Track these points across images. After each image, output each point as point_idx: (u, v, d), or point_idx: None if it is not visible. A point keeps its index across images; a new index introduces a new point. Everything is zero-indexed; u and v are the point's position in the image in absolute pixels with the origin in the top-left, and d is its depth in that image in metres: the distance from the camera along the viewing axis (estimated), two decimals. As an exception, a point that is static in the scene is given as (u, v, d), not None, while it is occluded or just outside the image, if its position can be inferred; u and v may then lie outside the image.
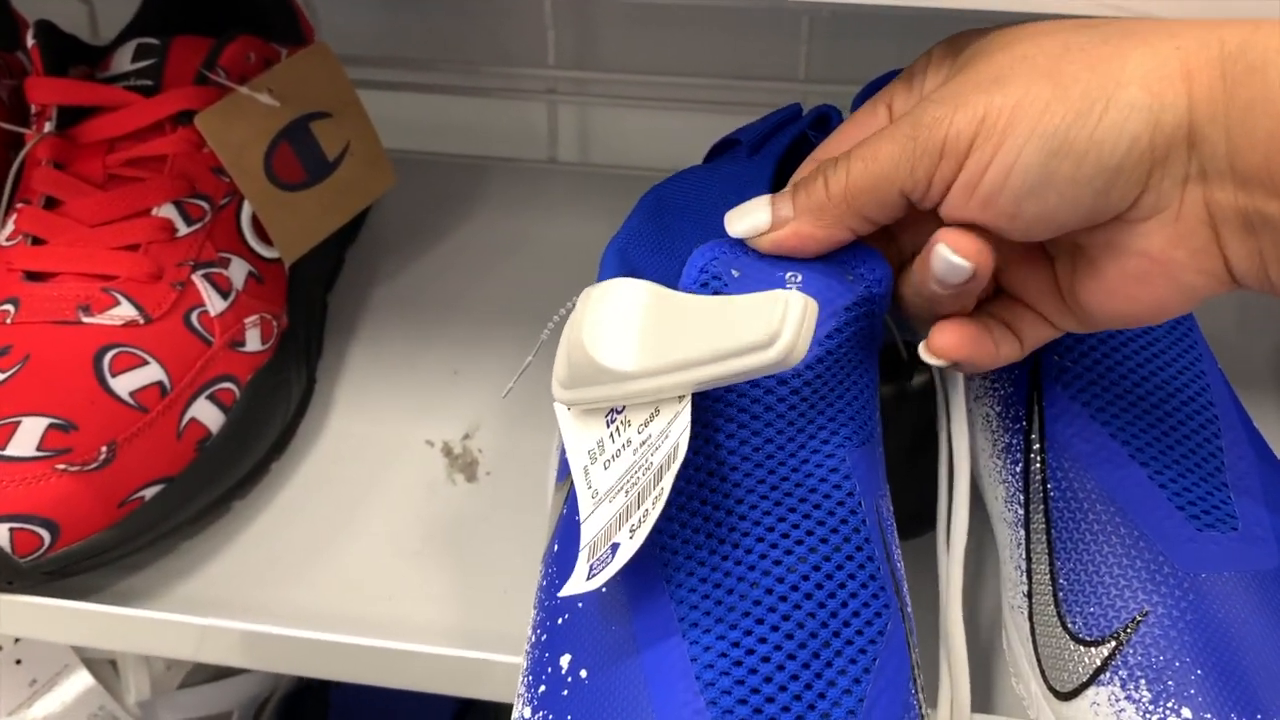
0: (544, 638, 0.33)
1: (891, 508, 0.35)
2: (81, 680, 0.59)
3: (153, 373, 0.45)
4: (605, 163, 0.69)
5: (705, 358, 0.29)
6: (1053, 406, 0.38)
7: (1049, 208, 0.29)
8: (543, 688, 0.31)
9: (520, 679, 0.33)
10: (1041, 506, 0.37)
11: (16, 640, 0.58)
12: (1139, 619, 0.34)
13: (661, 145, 0.68)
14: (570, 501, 0.34)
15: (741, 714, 0.29)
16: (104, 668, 0.60)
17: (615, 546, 0.31)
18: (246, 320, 0.48)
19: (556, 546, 0.35)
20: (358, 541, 0.47)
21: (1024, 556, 0.37)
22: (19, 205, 0.48)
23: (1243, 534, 0.34)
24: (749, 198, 0.35)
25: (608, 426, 0.32)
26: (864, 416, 0.34)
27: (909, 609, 0.34)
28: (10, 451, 0.41)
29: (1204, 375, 0.38)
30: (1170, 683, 0.32)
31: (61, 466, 0.41)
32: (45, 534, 0.41)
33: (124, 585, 0.45)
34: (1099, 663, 0.34)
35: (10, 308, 0.45)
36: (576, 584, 0.31)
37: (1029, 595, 0.37)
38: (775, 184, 0.40)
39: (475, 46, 0.68)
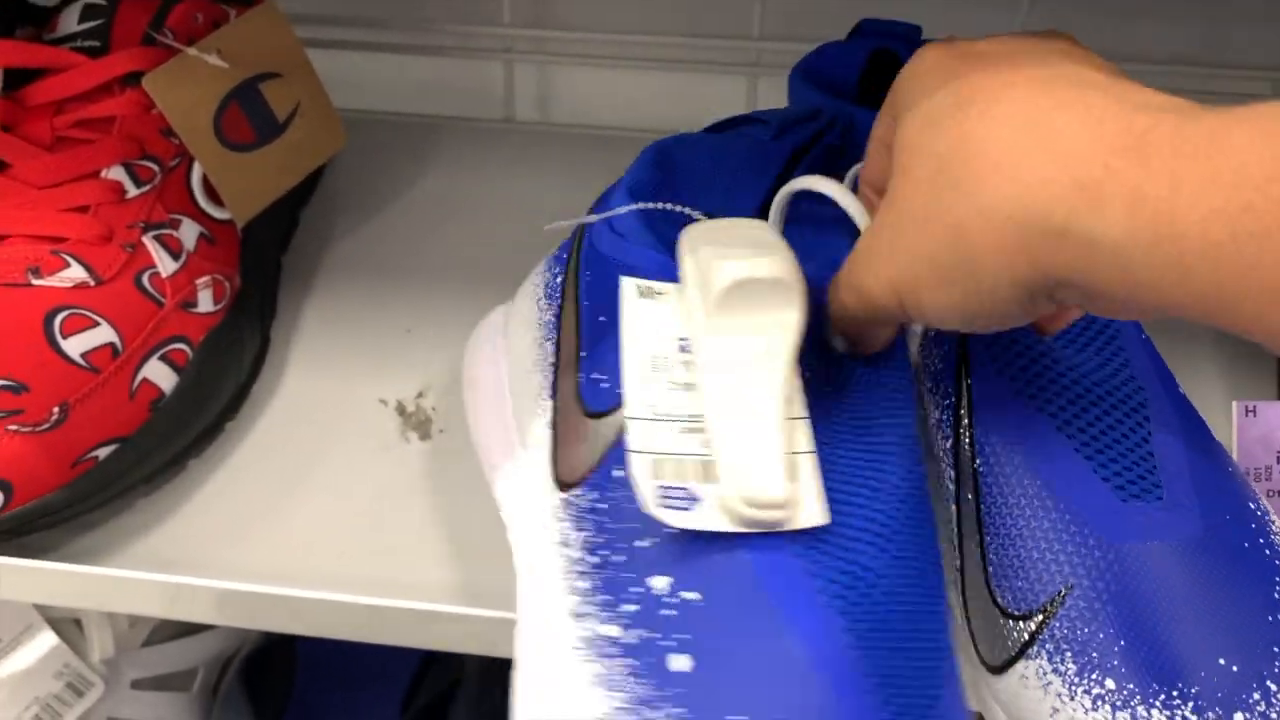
0: (617, 558, 0.33)
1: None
2: (46, 640, 0.59)
3: (104, 334, 0.45)
4: (562, 122, 0.69)
5: None
6: (980, 383, 0.38)
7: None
8: (632, 606, 0.32)
9: (565, 595, 0.33)
10: (971, 482, 0.38)
11: (-21, 601, 0.59)
12: (1064, 593, 0.34)
13: (617, 104, 0.68)
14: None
15: (868, 623, 0.31)
16: (68, 627, 0.60)
17: (693, 499, 0.32)
18: (198, 281, 0.49)
19: (615, 471, 0.35)
20: (313, 499, 0.48)
21: (955, 532, 0.38)
22: (-33, 168, 0.48)
23: (1167, 503, 0.35)
24: (764, 173, 0.39)
25: (680, 351, 0.34)
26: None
27: None
28: (-39, 413, 0.41)
29: (1128, 347, 0.38)
30: (1094, 654, 0.33)
31: (13, 427, 0.42)
32: (-2, 494, 0.41)
33: (81, 544, 0.46)
34: (1027, 636, 0.35)
35: (-40, 271, 0.46)
36: (651, 504, 0.32)
37: (961, 570, 0.38)
38: (788, 168, 0.42)
39: (430, 4, 0.67)
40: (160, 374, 0.46)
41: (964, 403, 0.39)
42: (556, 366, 0.39)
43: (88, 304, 0.45)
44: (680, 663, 0.30)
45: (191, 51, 0.49)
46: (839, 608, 0.31)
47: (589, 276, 0.39)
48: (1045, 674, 0.34)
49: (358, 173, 0.63)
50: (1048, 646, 0.34)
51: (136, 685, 0.62)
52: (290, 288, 0.56)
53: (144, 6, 0.49)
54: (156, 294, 0.47)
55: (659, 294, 0.36)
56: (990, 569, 0.36)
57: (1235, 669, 0.32)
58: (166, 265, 0.48)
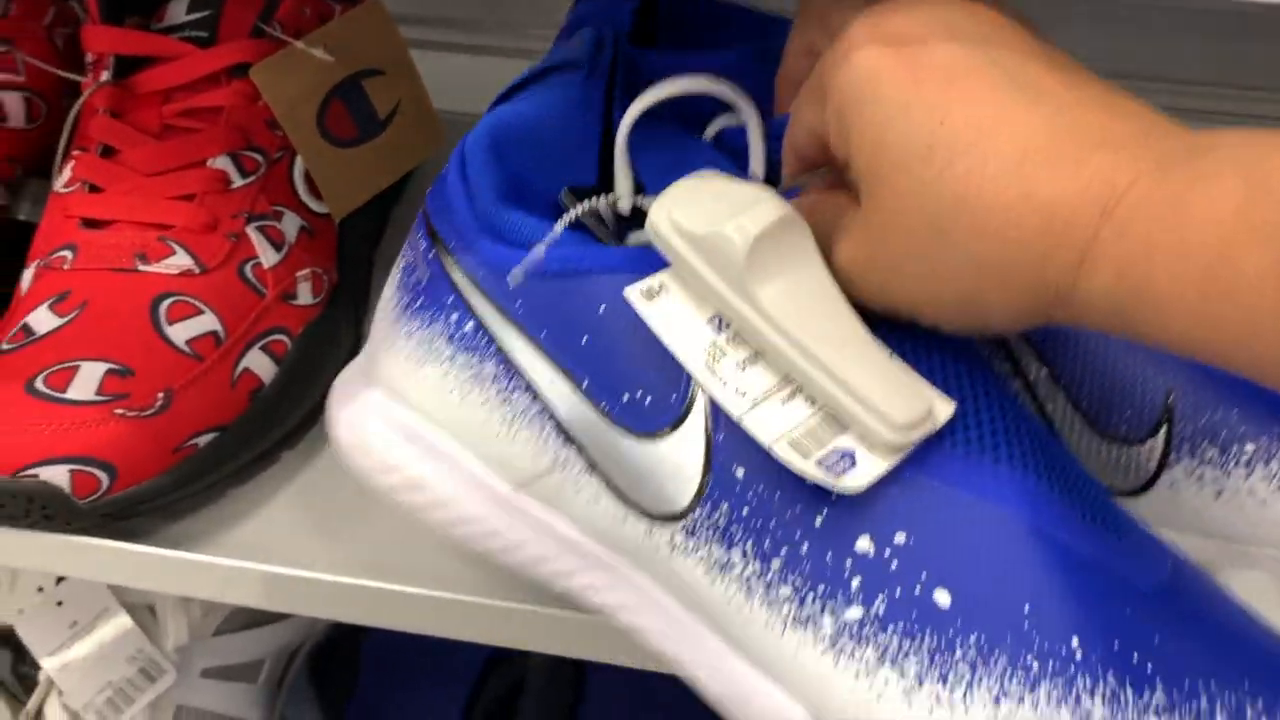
0: (803, 547, 0.32)
1: None
2: (121, 624, 0.60)
3: (208, 322, 0.45)
4: (645, 128, 0.70)
5: None
6: None
7: None
8: (857, 579, 0.31)
9: (769, 610, 0.32)
10: (1030, 352, 0.39)
11: (59, 582, 0.59)
12: (1171, 394, 0.37)
13: (702, 112, 0.68)
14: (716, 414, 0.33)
15: (1043, 460, 0.32)
16: (143, 613, 0.61)
17: (850, 455, 0.31)
18: (298, 274, 0.49)
19: (735, 469, 0.33)
20: (403, 495, 0.48)
21: (1031, 402, 0.39)
22: (76, 153, 0.49)
23: None
24: (594, 111, 0.39)
25: (718, 331, 0.33)
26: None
27: None
28: (70, 395, 0.42)
29: None
30: (1224, 431, 0.37)
31: (120, 411, 0.42)
32: (104, 476, 0.41)
33: (175, 530, 0.46)
34: (1161, 448, 0.37)
35: (68, 254, 0.46)
36: (835, 482, 0.31)
37: (1053, 434, 0.39)
38: (608, 98, 0.41)
39: (519, 8, 0.68)
40: (261, 364, 0.47)
41: None
42: (549, 411, 0.36)
43: (193, 291, 0.46)
44: (940, 597, 0.30)
45: (299, 45, 0.49)
46: (1017, 462, 0.32)
47: (523, 305, 0.36)
48: (1193, 470, 0.37)
49: (446, 172, 0.63)
50: (1184, 447, 0.37)
51: (205, 674, 0.62)
52: (381, 285, 0.56)
53: (252, -1, 0.50)
54: (258, 284, 0.47)
55: (661, 289, 0.34)
56: (1090, 414, 0.38)
57: None
58: (269, 256, 0.48)
